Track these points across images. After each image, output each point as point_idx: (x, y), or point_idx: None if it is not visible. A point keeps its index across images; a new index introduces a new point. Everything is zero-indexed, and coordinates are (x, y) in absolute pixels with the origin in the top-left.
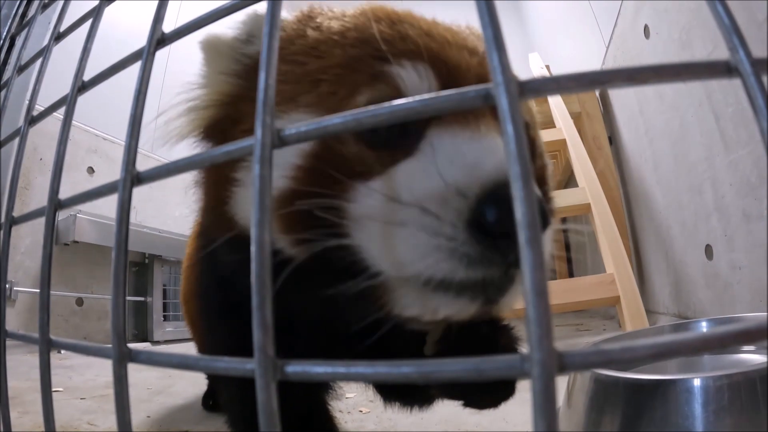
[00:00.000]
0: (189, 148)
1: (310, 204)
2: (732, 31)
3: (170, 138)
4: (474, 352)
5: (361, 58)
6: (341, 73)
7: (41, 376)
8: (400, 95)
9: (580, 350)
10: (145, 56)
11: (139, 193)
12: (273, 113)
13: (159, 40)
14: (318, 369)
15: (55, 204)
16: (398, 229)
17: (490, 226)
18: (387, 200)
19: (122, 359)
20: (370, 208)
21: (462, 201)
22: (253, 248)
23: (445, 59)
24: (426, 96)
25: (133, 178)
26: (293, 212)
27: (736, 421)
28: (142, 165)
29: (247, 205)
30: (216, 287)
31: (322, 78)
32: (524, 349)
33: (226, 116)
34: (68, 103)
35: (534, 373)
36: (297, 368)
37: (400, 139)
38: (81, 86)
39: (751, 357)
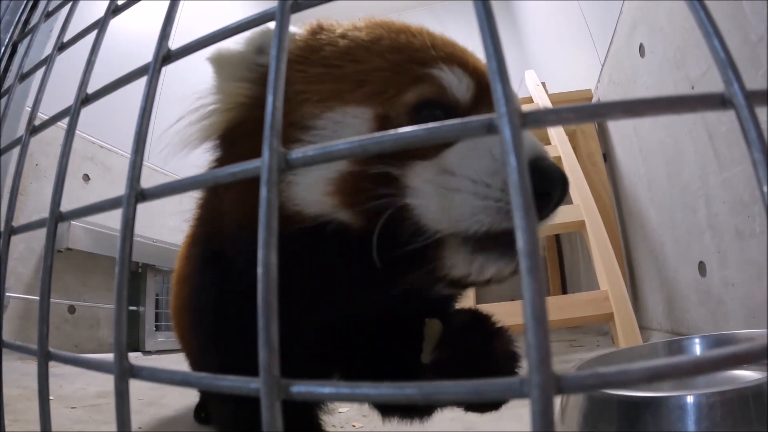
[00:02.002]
0: (193, 159)
1: (377, 169)
2: (727, 64)
3: (189, 142)
4: (471, 357)
5: (401, 63)
6: (386, 75)
7: (39, 389)
8: (445, 94)
9: (577, 373)
10: (150, 73)
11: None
12: (280, 136)
13: (165, 56)
14: (323, 390)
15: (57, 216)
16: (452, 194)
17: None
18: (441, 173)
19: (124, 375)
20: (427, 179)
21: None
22: (259, 270)
23: (471, 63)
24: (431, 125)
25: (137, 195)
26: (357, 186)
27: None
28: (148, 178)
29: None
30: (211, 302)
31: (366, 80)
32: (521, 352)
33: (242, 120)
34: (71, 115)
35: (533, 396)
36: (302, 388)
37: None
38: (84, 99)
39: (744, 373)
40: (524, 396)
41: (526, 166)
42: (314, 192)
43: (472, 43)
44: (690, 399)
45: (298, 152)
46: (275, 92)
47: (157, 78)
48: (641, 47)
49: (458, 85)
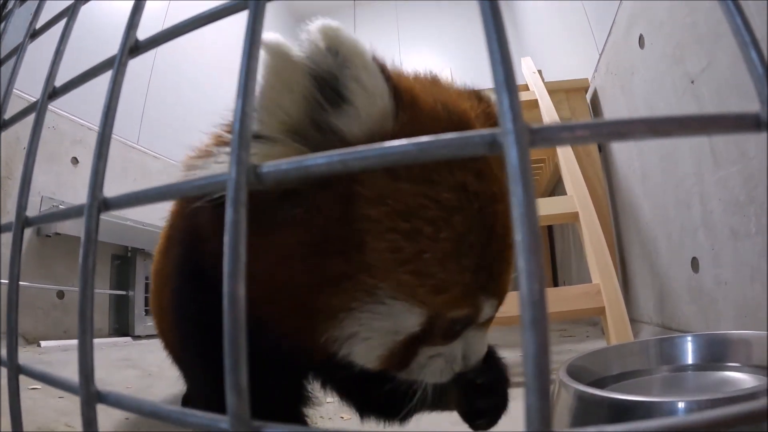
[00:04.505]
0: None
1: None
2: (765, 80)
3: None
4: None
5: (470, 283)
6: (455, 286)
7: (10, 404)
8: (478, 316)
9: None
10: (116, 66)
11: (123, 186)
12: (248, 147)
13: (132, 48)
14: None
15: (23, 222)
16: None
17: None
18: (436, 354)
19: (90, 401)
20: (427, 357)
21: (463, 363)
22: (225, 303)
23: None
24: (424, 139)
25: (99, 204)
26: (406, 353)
27: None
28: (125, 157)
29: None
30: (194, 313)
31: (444, 285)
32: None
33: None
34: (38, 110)
35: None
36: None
37: (455, 334)
38: (52, 92)
39: (735, 375)
40: None
41: (535, 198)
42: (369, 354)
43: (466, 43)
44: (681, 405)
45: (270, 165)
46: (245, 96)
47: (123, 71)
48: (641, 38)
49: (488, 312)
